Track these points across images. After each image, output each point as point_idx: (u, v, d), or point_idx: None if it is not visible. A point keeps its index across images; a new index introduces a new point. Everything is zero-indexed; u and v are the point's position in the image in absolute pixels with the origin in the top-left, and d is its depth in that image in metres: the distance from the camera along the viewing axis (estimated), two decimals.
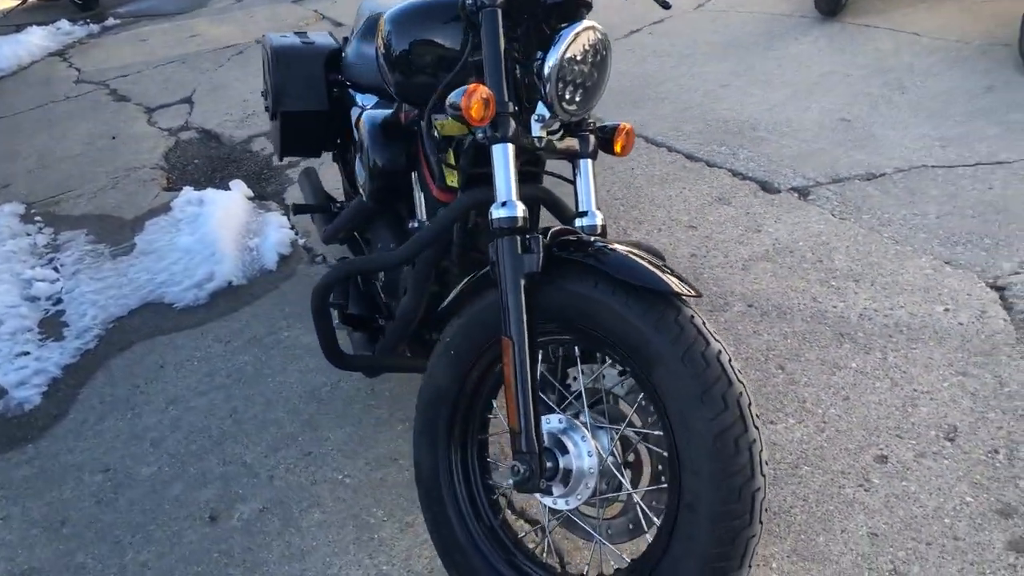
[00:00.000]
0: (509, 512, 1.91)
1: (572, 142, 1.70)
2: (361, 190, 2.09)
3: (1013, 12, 4.23)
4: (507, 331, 1.49)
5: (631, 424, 1.55)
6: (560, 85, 1.57)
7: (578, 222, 1.70)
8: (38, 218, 4.11)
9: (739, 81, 4.36)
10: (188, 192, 4.01)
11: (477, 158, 1.70)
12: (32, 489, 2.33)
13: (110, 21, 8.51)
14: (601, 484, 1.55)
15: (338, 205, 2.72)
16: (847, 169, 3.33)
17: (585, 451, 1.53)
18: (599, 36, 1.61)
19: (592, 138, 1.72)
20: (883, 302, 2.53)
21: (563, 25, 1.62)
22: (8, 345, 2.97)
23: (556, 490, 1.54)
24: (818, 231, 2.95)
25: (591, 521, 1.61)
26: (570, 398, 1.62)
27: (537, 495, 1.56)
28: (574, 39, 1.56)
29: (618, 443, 1.59)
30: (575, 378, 1.68)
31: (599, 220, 1.69)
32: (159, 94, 5.87)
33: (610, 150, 1.77)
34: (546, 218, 1.87)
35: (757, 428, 1.38)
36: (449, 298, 1.67)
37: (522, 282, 1.50)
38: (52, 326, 3.13)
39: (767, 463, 1.41)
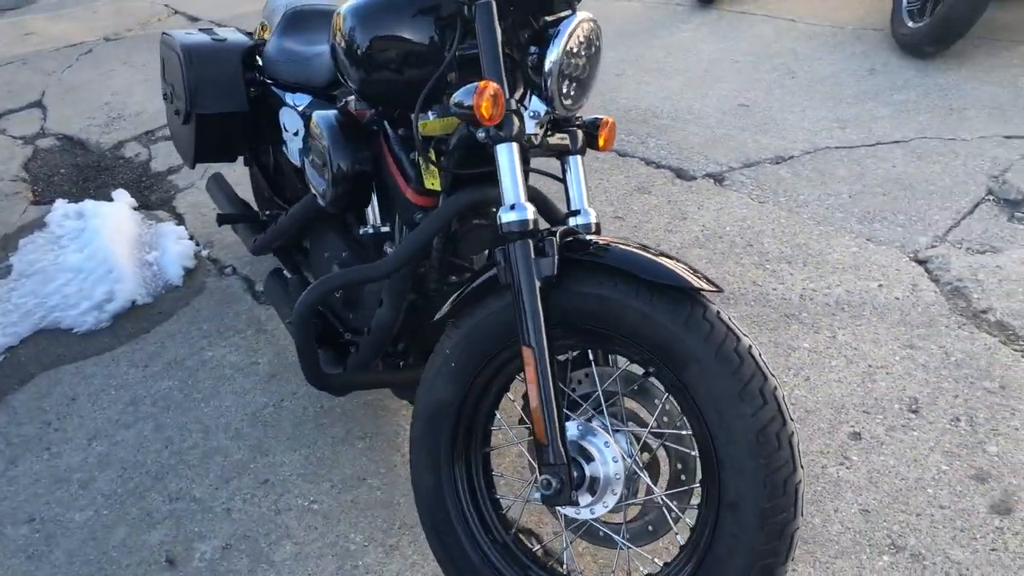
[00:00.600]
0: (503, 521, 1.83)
1: (562, 138, 1.64)
2: (318, 196, 1.95)
3: None
4: (527, 340, 1.42)
5: (655, 425, 1.51)
6: (560, 79, 1.50)
7: (572, 221, 1.64)
8: None
9: (632, 70, 4.41)
10: (63, 205, 3.66)
11: (464, 158, 1.62)
12: None
13: None
14: (624, 489, 1.50)
15: (266, 214, 2.54)
16: (756, 153, 3.42)
17: (609, 457, 1.48)
18: (593, 27, 1.56)
19: (580, 133, 1.66)
20: (819, 282, 2.61)
21: (549, 18, 1.56)
22: None
23: (583, 499, 1.49)
24: (742, 215, 3.02)
25: (612, 527, 1.57)
26: (585, 404, 1.57)
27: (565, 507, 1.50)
28: (573, 31, 1.50)
29: (636, 445, 1.55)
30: (579, 382, 1.62)
31: (593, 218, 1.64)
32: (2, 99, 5.36)
33: (594, 145, 1.72)
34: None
35: (792, 420, 1.37)
36: (446, 306, 1.57)
37: (538, 287, 1.43)
38: None
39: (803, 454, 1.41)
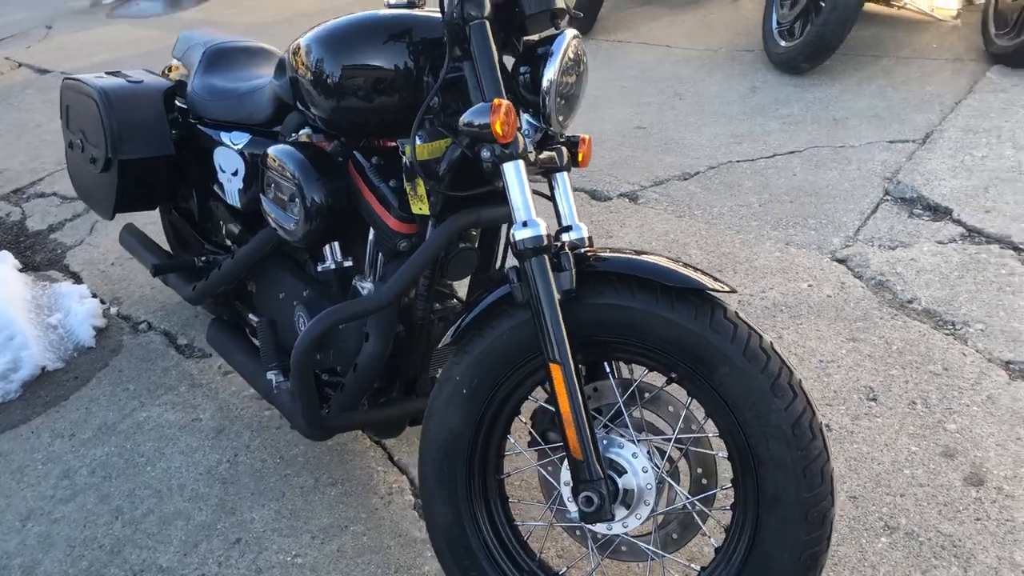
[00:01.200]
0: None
1: (550, 155, 1.64)
2: (283, 232, 1.86)
3: (745, 21, 4.76)
4: (552, 356, 1.41)
5: (680, 431, 1.52)
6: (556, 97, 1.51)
7: (565, 237, 1.64)
8: None
9: None
10: None
11: (454, 181, 1.59)
12: None
13: None
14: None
15: (203, 259, 2.41)
16: (663, 172, 3.53)
17: (640, 468, 1.48)
18: (580, 44, 1.58)
19: (565, 150, 1.67)
20: (753, 287, 2.71)
21: (534, 37, 1.57)
22: None
23: (618, 513, 1.47)
24: (663, 230, 3.11)
25: (643, 538, 1.56)
26: (603, 419, 1.56)
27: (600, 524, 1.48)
28: (566, 49, 1.51)
29: (657, 453, 1.55)
30: (588, 397, 1.61)
31: (585, 232, 1.64)
32: None
33: (575, 162, 1.73)
34: None
35: (816, 407, 1.41)
36: (451, 332, 1.53)
37: (558, 301, 1.42)
38: None
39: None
